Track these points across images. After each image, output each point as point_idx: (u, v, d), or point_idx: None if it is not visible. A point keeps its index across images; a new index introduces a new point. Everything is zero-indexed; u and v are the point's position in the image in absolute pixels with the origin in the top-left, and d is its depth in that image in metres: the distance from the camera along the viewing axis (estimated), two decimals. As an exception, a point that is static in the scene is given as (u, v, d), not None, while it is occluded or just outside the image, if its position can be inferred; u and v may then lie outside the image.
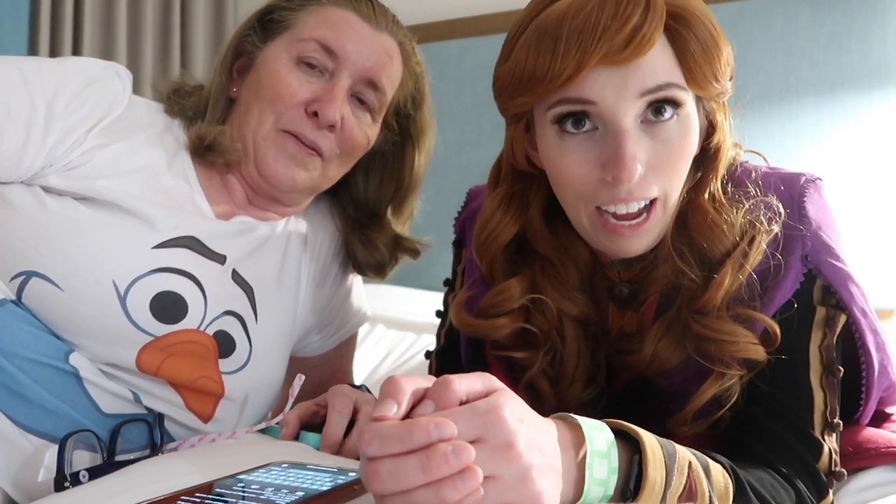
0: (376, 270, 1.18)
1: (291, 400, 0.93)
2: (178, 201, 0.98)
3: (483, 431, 0.52)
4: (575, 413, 0.64)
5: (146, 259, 0.91)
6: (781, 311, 0.79)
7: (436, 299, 1.16)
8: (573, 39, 0.71)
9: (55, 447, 0.82)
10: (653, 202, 0.77)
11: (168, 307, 0.91)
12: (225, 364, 0.96)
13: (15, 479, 0.82)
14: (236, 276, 1.00)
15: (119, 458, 0.86)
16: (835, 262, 0.79)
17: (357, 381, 1.25)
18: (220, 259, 0.99)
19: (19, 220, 0.88)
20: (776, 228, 0.79)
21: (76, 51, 2.31)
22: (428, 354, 1.08)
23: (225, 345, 0.96)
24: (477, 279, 0.92)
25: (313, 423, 0.92)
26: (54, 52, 2.26)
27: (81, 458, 0.84)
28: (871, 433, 0.89)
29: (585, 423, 0.61)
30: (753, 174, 0.83)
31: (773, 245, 0.79)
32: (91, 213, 0.91)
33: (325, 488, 0.63)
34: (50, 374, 0.84)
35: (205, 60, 2.54)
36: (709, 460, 0.68)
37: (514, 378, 0.87)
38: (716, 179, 0.81)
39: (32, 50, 2.23)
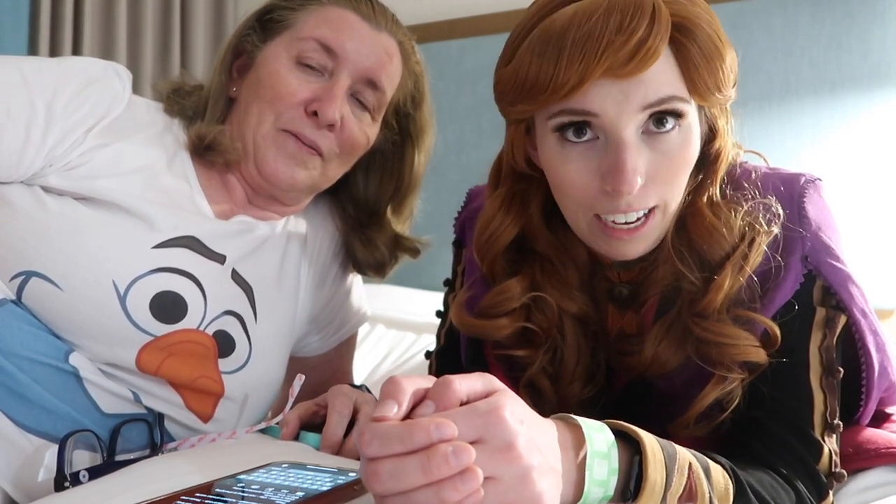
0: (376, 270, 1.18)
1: (291, 400, 0.93)
2: (178, 201, 0.98)
3: (483, 432, 0.52)
4: (575, 412, 0.64)
5: (146, 259, 0.91)
6: (781, 313, 0.79)
7: (436, 299, 1.16)
8: (577, 50, 0.70)
9: (55, 447, 0.82)
10: (652, 209, 0.77)
11: (168, 307, 0.91)
12: (225, 364, 0.96)
13: (15, 479, 0.82)
14: (236, 276, 1.00)
15: (119, 457, 0.86)
16: (835, 262, 0.79)
17: (357, 381, 1.25)
18: (220, 259, 0.99)
19: (19, 220, 0.88)
20: (776, 230, 0.79)
21: (76, 51, 2.31)
22: (428, 354, 1.08)
23: (225, 344, 0.96)
24: (477, 279, 0.92)
25: (313, 423, 0.92)
26: (54, 52, 2.26)
27: (81, 458, 0.84)
28: (871, 434, 0.89)
29: (586, 423, 0.61)
30: (753, 175, 0.83)
31: (773, 246, 0.79)
32: (91, 212, 0.91)
33: (325, 488, 0.63)
34: (50, 374, 0.84)
35: (205, 60, 2.54)
36: (709, 461, 0.68)
37: (515, 377, 0.87)
38: (715, 183, 0.81)
39: (32, 50, 2.23)
